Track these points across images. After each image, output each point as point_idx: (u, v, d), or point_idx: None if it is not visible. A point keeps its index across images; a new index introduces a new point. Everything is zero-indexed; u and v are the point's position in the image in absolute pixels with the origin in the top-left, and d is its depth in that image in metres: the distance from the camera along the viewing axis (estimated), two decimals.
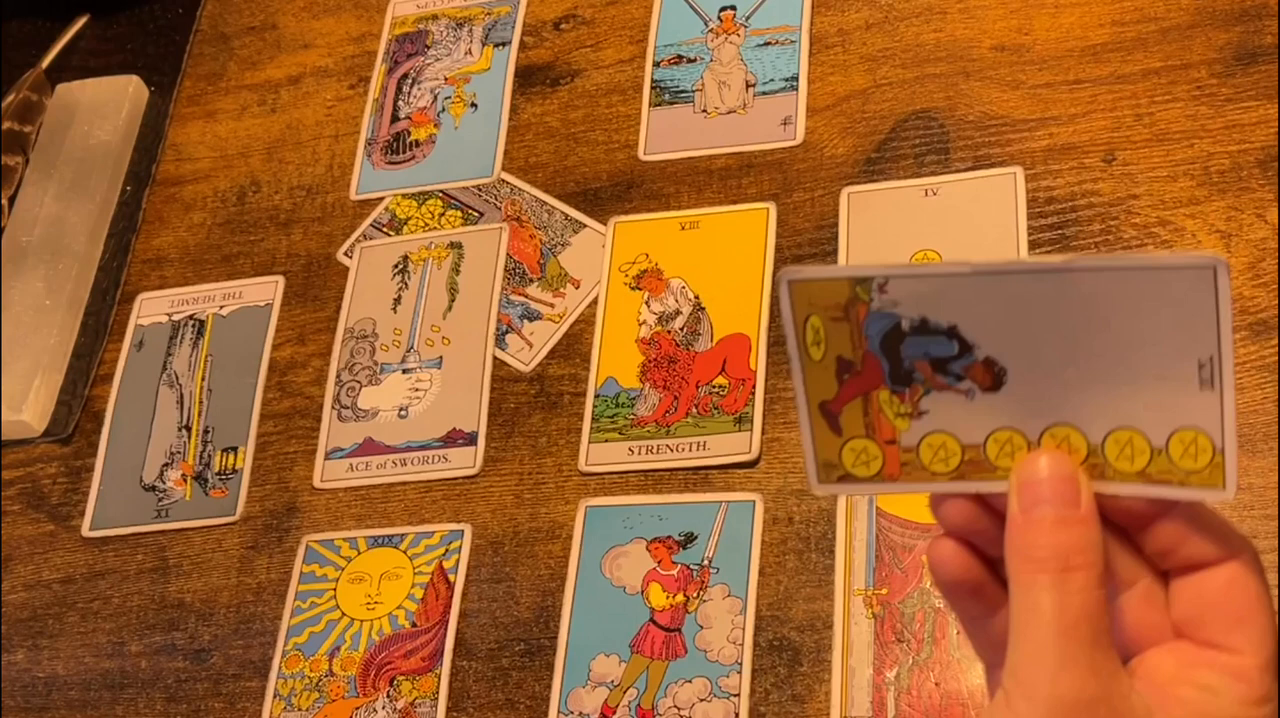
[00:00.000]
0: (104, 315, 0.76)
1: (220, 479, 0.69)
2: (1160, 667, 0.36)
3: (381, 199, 0.75)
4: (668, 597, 0.59)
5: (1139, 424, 0.35)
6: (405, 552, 0.64)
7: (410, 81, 0.78)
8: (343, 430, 0.68)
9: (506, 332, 0.68)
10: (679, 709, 0.57)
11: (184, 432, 0.71)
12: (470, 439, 0.66)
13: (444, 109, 0.76)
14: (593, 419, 0.64)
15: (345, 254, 0.74)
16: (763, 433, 0.61)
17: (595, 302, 0.67)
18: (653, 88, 0.72)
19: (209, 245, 0.77)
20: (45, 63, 0.86)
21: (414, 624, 0.62)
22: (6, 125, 0.82)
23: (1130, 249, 0.60)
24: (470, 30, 0.78)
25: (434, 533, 0.64)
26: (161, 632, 0.66)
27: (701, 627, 0.58)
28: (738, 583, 0.58)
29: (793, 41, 0.71)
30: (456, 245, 0.72)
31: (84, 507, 0.71)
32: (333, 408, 0.69)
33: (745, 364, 0.63)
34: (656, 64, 0.73)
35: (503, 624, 0.61)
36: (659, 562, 0.60)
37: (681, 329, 0.65)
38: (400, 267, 0.72)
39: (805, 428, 0.37)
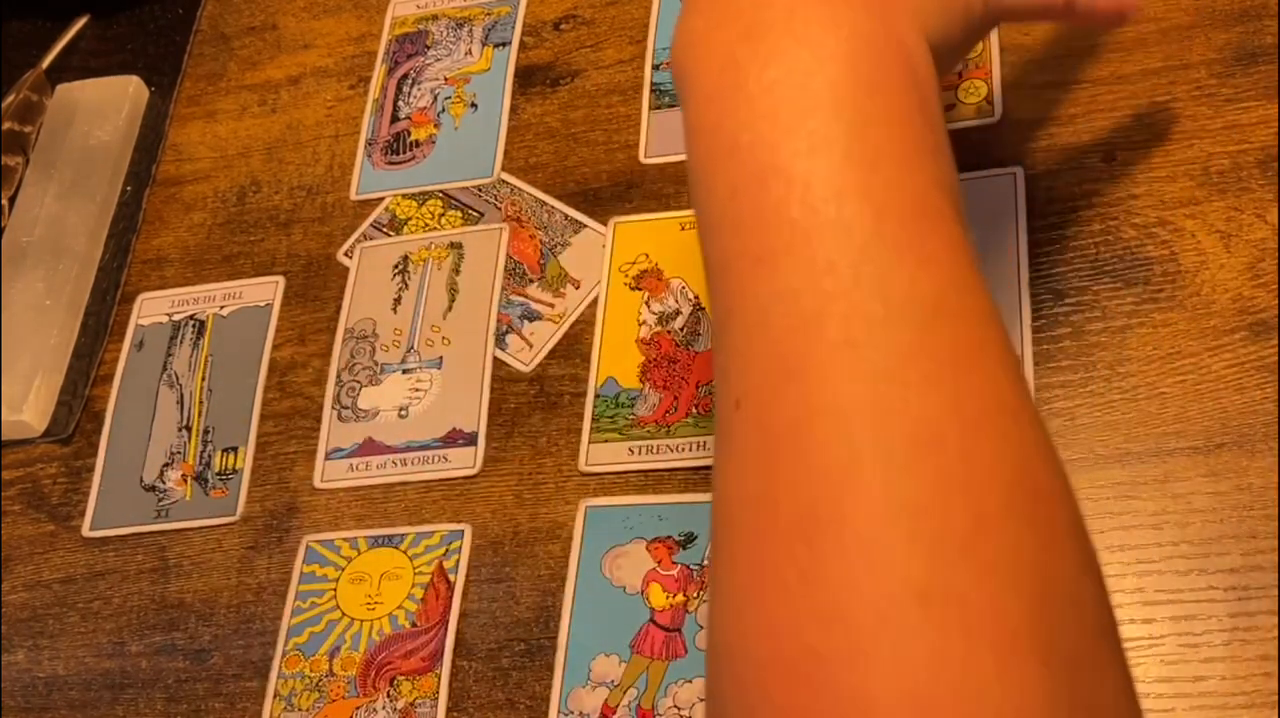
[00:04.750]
0: (104, 315, 0.76)
1: (220, 479, 0.69)
2: None
3: (381, 199, 0.75)
4: (668, 597, 0.59)
5: None
6: (405, 552, 0.64)
7: (410, 82, 0.78)
8: (343, 430, 0.68)
9: (506, 332, 0.68)
10: (679, 709, 0.57)
11: (184, 432, 0.71)
12: (470, 439, 0.66)
13: (444, 109, 0.76)
14: (593, 419, 0.64)
15: (345, 254, 0.74)
16: None
17: (595, 302, 0.68)
18: (652, 91, 0.72)
19: (209, 245, 0.77)
20: (45, 63, 0.86)
21: (414, 624, 0.62)
22: (6, 125, 0.82)
23: (1130, 249, 0.60)
24: (470, 30, 0.78)
25: (434, 533, 0.64)
26: (162, 632, 0.66)
27: (702, 627, 0.58)
28: None
29: None
30: (456, 245, 0.72)
31: (84, 507, 0.71)
32: (333, 408, 0.69)
33: None
34: (656, 67, 0.73)
35: (503, 624, 0.61)
36: (659, 562, 0.60)
37: (681, 329, 0.65)
38: (400, 267, 0.72)
39: None
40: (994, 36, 0.68)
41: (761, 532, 0.37)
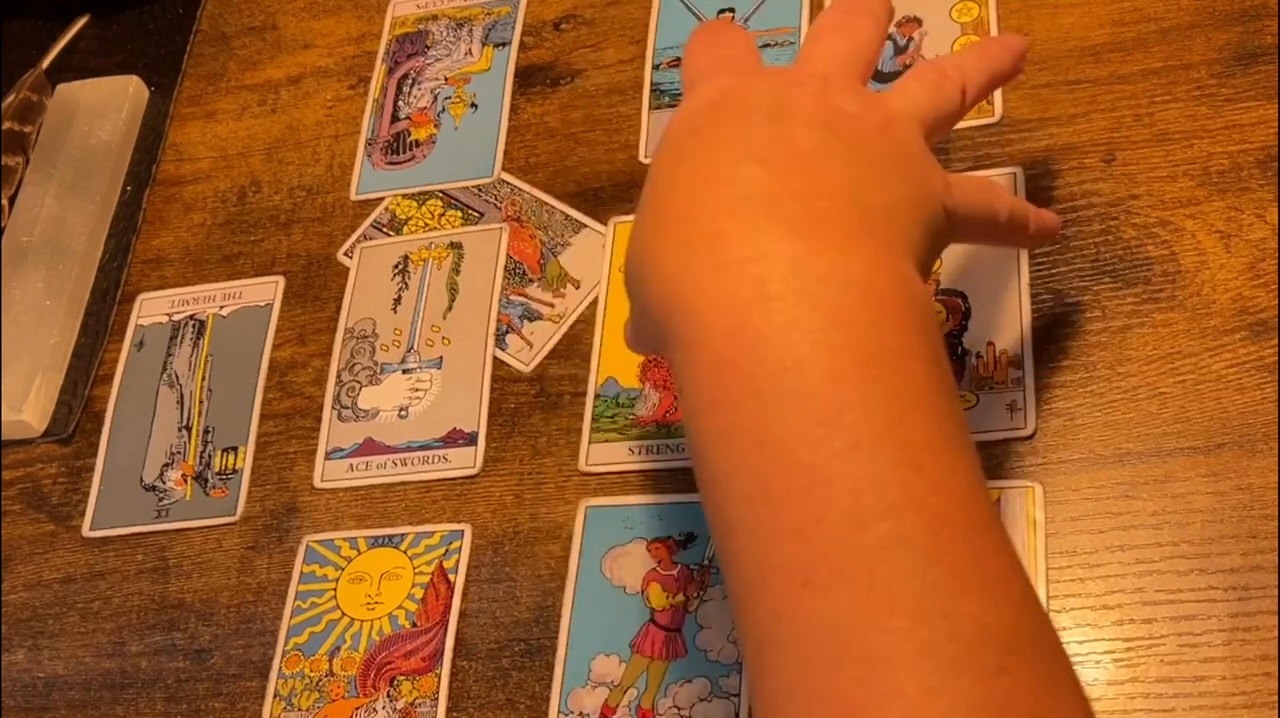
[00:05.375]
0: (104, 315, 0.76)
1: (220, 479, 0.69)
2: None
3: (381, 199, 0.75)
4: (668, 597, 0.59)
5: None
6: (405, 552, 0.64)
7: (410, 82, 0.78)
8: (343, 430, 0.68)
9: (506, 332, 0.68)
10: (679, 709, 0.57)
11: (184, 432, 0.71)
12: (470, 439, 0.66)
13: (444, 109, 0.76)
14: (593, 419, 0.64)
15: (345, 254, 0.74)
16: None
17: (595, 302, 0.68)
18: (652, 91, 0.72)
19: (209, 245, 0.77)
20: (45, 63, 0.86)
21: (414, 624, 0.62)
22: (6, 125, 0.82)
23: (1130, 249, 0.60)
24: (470, 31, 0.78)
25: (434, 533, 0.64)
26: (162, 632, 0.66)
27: (702, 627, 0.58)
28: None
29: (792, 43, 0.71)
30: (456, 245, 0.72)
31: (84, 507, 0.71)
32: (333, 408, 0.69)
33: None
34: (656, 67, 0.73)
35: (503, 624, 0.61)
36: (659, 562, 0.60)
37: None
38: (400, 267, 0.72)
39: None
40: (994, 35, 0.68)
41: None
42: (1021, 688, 0.34)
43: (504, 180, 0.73)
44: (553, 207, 0.71)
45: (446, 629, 0.62)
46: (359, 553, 0.65)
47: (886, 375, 0.38)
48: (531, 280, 0.69)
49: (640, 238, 0.45)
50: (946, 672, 0.34)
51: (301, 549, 0.66)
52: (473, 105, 0.76)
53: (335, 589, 0.64)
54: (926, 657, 0.34)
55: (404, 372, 0.69)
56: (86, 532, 0.70)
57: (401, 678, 0.61)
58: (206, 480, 0.69)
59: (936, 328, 0.41)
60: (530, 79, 0.76)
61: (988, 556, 0.36)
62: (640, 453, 0.63)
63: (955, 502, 0.37)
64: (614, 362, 0.65)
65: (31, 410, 0.73)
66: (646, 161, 0.70)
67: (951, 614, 0.35)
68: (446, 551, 0.63)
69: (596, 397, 0.65)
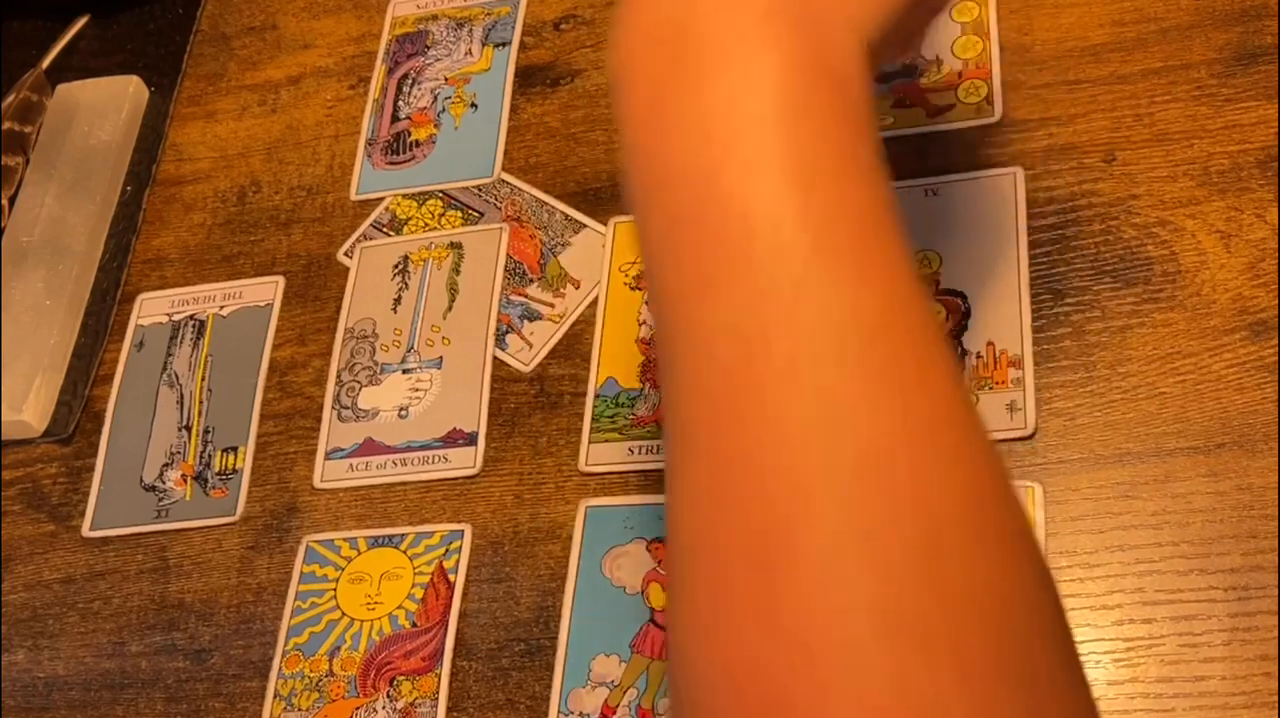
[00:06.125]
0: (104, 315, 0.76)
1: (220, 479, 0.69)
2: None
3: (381, 199, 0.75)
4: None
5: None
6: (405, 552, 0.64)
7: (410, 82, 0.78)
8: (343, 430, 0.68)
9: (506, 332, 0.68)
10: None
11: (184, 432, 0.71)
12: (470, 439, 0.66)
13: (444, 109, 0.76)
14: (593, 419, 0.64)
15: (345, 254, 0.74)
16: None
17: (595, 302, 0.68)
18: None
19: (209, 245, 0.77)
20: (45, 63, 0.86)
21: (414, 624, 0.62)
22: (6, 125, 0.82)
23: (1130, 249, 0.60)
24: (470, 31, 0.78)
25: (434, 533, 0.64)
26: (161, 632, 0.66)
27: None
28: None
29: None
30: (456, 245, 0.72)
31: (84, 507, 0.71)
32: (333, 408, 0.69)
33: None
34: None
35: (503, 624, 0.61)
36: (659, 561, 0.60)
37: None
38: (400, 267, 0.72)
39: None
40: (994, 36, 0.68)
41: (717, 564, 0.37)
42: (888, 360, 0.38)
43: (504, 180, 0.73)
44: (553, 207, 0.71)
45: (446, 629, 0.62)
46: (359, 553, 0.65)
47: (792, 118, 0.40)
48: (531, 280, 0.69)
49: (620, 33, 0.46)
50: (815, 349, 0.37)
51: (301, 549, 0.66)
52: (473, 105, 0.76)
53: (335, 589, 0.64)
54: (798, 338, 0.38)
55: (404, 372, 0.69)
56: (86, 532, 0.70)
57: (401, 678, 0.61)
58: (206, 481, 0.69)
59: (868, 120, 0.43)
60: (530, 79, 0.76)
61: (869, 258, 0.39)
62: (640, 453, 0.63)
63: (843, 216, 0.40)
64: (614, 362, 0.65)
65: (31, 410, 0.73)
66: None
67: (825, 303, 0.38)
68: (446, 551, 0.63)
69: (596, 397, 0.65)
